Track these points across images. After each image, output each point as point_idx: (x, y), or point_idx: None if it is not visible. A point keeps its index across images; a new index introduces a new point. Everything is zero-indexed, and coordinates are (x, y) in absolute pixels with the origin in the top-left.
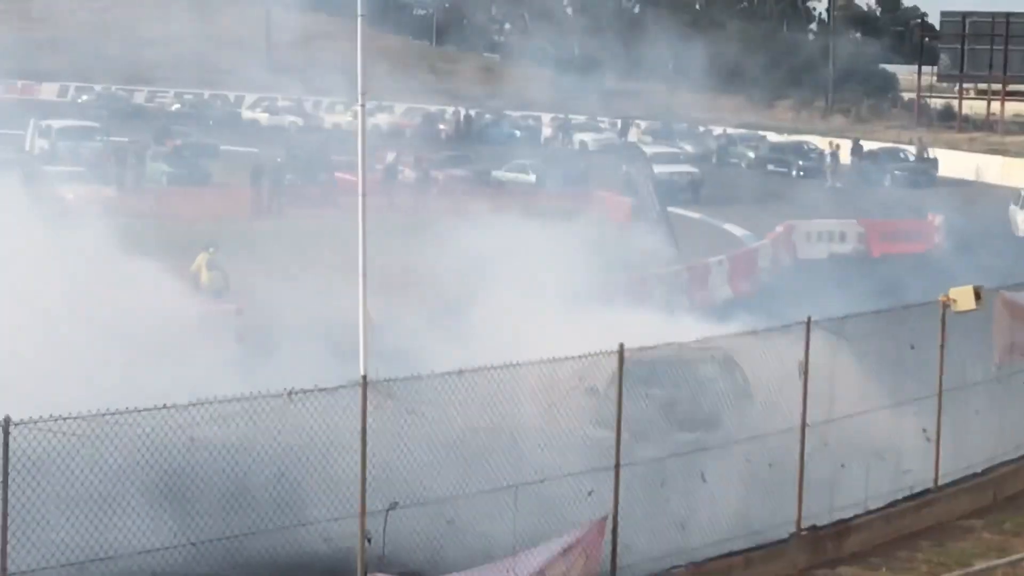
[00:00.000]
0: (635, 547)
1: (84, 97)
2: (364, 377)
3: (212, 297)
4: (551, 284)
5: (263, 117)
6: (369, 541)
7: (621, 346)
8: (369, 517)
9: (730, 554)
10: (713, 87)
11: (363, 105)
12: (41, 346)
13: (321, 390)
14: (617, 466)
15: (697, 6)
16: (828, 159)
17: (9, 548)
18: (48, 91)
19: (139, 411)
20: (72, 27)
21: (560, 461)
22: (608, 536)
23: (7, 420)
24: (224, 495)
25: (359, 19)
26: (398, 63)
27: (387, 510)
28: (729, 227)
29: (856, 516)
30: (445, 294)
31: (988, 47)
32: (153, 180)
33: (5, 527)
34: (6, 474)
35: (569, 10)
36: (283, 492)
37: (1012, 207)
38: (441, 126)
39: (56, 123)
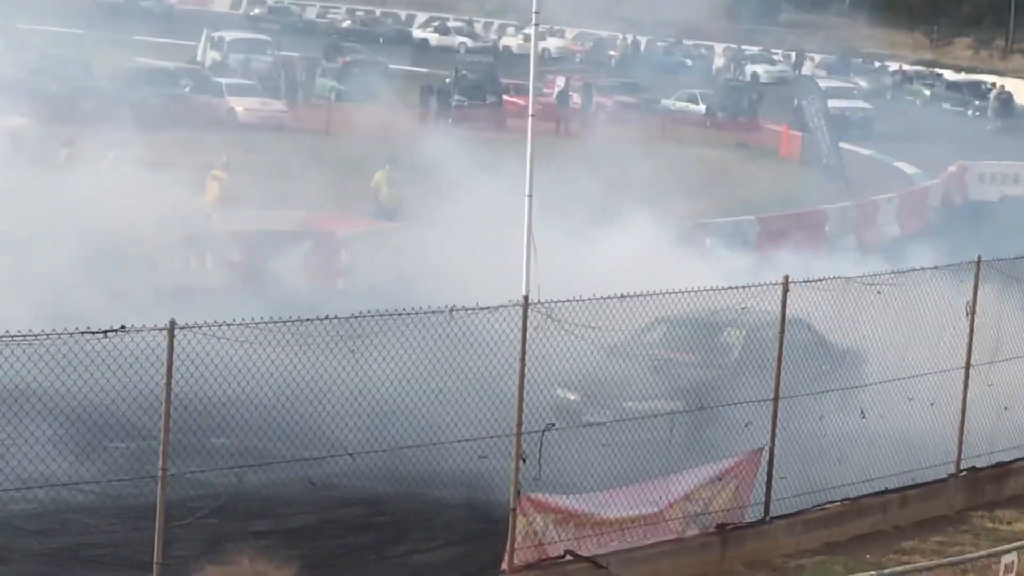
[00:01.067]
0: (790, 480)
1: (256, 10)
2: (526, 297)
3: (389, 213)
4: (714, 216)
5: (433, 37)
6: (524, 460)
7: (786, 278)
8: (525, 437)
9: (886, 492)
10: (891, 22)
11: (536, 25)
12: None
13: (482, 308)
14: (776, 399)
15: None
16: (992, 99)
17: (170, 450)
18: (221, 3)
19: (302, 321)
20: None
21: (717, 391)
22: (763, 468)
23: (172, 323)
24: (382, 408)
25: None
26: None
27: (543, 431)
28: (901, 165)
29: (1017, 459)
30: (603, 220)
31: None
32: (321, 96)
33: (167, 429)
34: (170, 377)
35: None
36: (441, 408)
37: None
38: (611, 52)
39: (228, 35)
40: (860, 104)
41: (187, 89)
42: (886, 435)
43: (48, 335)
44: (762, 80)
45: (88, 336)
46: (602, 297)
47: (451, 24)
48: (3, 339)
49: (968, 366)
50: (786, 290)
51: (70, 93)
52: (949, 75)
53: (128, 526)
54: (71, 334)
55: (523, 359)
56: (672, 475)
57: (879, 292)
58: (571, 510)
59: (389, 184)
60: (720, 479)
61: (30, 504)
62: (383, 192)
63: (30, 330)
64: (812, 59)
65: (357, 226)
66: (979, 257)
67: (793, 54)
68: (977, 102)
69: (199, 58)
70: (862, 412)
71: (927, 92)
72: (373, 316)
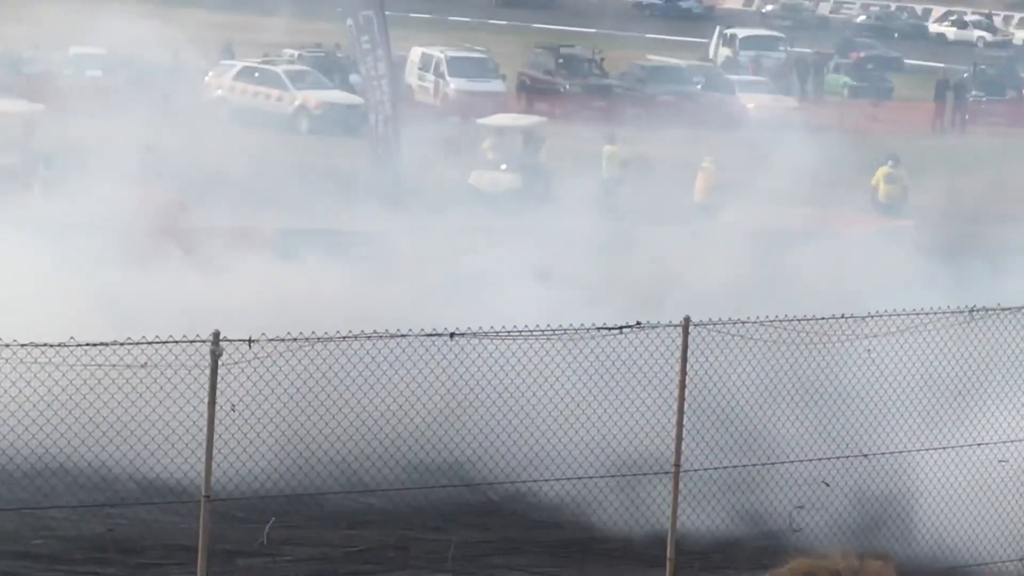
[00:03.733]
0: None
1: (769, 7)
2: None
3: (888, 211)
4: None
5: (950, 31)
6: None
7: None
8: None
9: None
10: None
11: None
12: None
13: (1003, 309)
14: None
15: None
16: None
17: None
18: (734, 1)
19: (814, 319)
20: None
21: None
22: None
23: (687, 320)
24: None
25: None
26: None
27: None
28: None
29: None
30: None
31: None
32: (834, 92)
33: (680, 424)
34: (683, 374)
35: None
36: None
37: None
38: None
39: (741, 32)
40: None
41: (699, 87)
42: None
43: (555, 331)
44: None
45: (604, 332)
46: None
47: (969, 18)
48: (503, 334)
49: None
50: None
51: (582, 90)
52: None
53: (640, 520)
54: (587, 330)
55: None
56: None
57: None
58: None
59: (887, 181)
60: None
61: (546, 497)
62: (881, 189)
63: (548, 325)
64: None
65: (865, 224)
66: None
67: None
68: None
69: (711, 55)
70: None
71: None
72: (884, 316)
